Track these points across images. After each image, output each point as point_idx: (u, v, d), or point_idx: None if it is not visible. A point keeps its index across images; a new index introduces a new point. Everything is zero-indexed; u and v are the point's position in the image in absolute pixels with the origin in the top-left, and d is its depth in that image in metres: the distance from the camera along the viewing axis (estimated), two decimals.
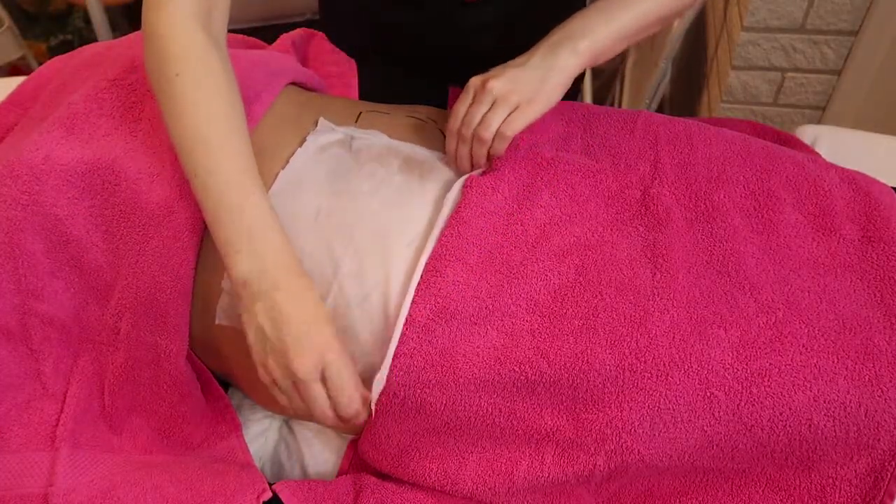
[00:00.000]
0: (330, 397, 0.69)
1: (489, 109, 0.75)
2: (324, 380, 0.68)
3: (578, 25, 0.78)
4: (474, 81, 0.77)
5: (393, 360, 0.69)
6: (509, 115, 0.75)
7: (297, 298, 0.68)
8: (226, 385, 0.85)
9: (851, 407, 0.67)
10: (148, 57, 0.73)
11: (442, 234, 0.73)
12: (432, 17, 0.94)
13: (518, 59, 0.77)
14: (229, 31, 0.80)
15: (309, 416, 0.71)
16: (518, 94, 0.75)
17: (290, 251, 0.70)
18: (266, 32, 1.11)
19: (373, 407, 0.71)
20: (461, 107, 0.77)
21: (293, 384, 0.68)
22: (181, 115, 0.70)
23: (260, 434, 0.85)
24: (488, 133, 0.75)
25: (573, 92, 1.17)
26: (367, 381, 0.74)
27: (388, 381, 0.70)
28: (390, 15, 0.94)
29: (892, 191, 0.82)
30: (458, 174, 0.80)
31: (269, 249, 0.68)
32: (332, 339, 0.68)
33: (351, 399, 0.69)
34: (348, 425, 0.72)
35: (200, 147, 0.70)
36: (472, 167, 0.80)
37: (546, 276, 0.72)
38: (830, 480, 0.69)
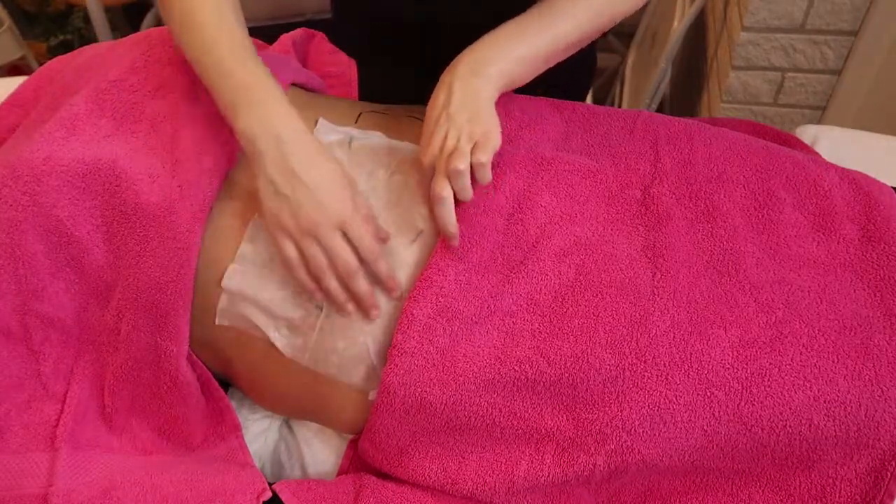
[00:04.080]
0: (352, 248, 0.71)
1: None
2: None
3: (488, 52, 0.75)
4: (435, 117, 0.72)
5: (393, 358, 0.69)
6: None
7: (305, 152, 0.70)
8: (226, 385, 0.85)
9: (851, 407, 0.67)
10: None
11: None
12: (446, 14, 0.94)
13: (440, 99, 0.74)
14: None
15: (318, 277, 0.71)
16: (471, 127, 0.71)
17: (291, 108, 0.72)
18: (266, 32, 1.10)
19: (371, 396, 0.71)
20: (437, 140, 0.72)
21: (308, 236, 0.70)
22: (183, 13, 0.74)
23: (260, 434, 0.85)
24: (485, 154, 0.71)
25: (579, 93, 1.17)
26: (367, 381, 0.74)
27: (388, 379, 0.70)
28: (407, 12, 0.94)
29: (892, 191, 0.82)
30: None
31: (269, 104, 0.71)
32: (347, 197, 0.71)
33: (373, 251, 0.71)
34: (375, 279, 0.73)
35: (198, 33, 0.74)
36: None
37: (546, 275, 0.72)
38: (830, 480, 0.69)
